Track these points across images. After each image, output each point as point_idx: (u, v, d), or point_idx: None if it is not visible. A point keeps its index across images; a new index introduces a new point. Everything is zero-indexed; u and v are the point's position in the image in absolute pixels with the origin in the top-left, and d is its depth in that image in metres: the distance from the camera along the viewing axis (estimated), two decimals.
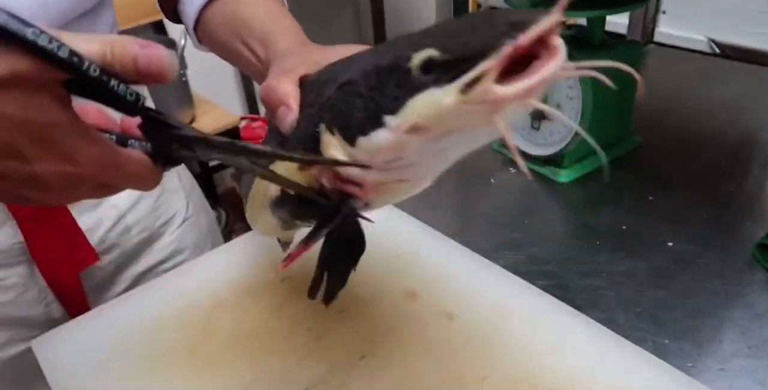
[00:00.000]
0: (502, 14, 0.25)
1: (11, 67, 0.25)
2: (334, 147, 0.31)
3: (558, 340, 0.48)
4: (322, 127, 0.32)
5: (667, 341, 0.51)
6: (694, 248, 0.60)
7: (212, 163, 1.88)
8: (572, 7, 0.73)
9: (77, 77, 0.27)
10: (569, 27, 0.70)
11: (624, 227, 0.64)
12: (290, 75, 0.38)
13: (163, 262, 0.67)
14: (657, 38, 1.12)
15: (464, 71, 0.24)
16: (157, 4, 0.59)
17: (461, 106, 0.25)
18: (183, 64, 1.60)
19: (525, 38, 0.23)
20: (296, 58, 0.41)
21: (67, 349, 0.52)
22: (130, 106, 0.30)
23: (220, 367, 0.48)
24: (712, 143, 0.77)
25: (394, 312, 0.52)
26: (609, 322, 0.52)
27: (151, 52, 0.28)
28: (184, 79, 1.63)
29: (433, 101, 0.25)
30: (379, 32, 1.51)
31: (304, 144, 0.34)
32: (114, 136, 0.32)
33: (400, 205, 0.67)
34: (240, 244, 0.63)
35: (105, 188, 0.32)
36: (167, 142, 0.32)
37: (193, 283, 0.58)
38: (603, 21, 0.68)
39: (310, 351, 0.49)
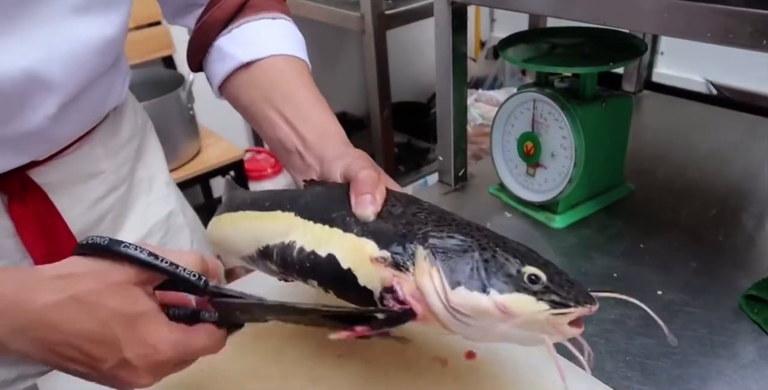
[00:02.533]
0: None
1: (124, 275, 0.37)
2: (427, 276, 0.37)
3: (547, 387, 0.50)
4: (422, 249, 0.37)
5: None
6: (683, 297, 0.62)
7: (216, 195, 1.91)
8: (566, 63, 0.76)
9: (172, 279, 0.38)
10: (563, 79, 0.73)
11: (615, 274, 0.66)
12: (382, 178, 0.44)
13: None
14: (655, 78, 1.15)
15: (557, 303, 0.35)
16: (186, 54, 0.62)
17: (542, 320, 0.35)
18: (191, 98, 1.65)
19: (593, 308, 0.36)
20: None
21: (71, 388, 0.53)
22: (199, 289, 0.39)
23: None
24: (703, 191, 0.79)
25: (389, 356, 0.54)
26: (598, 369, 0.54)
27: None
28: (191, 112, 1.67)
29: (530, 305, 0.35)
30: (381, 67, 1.56)
31: (380, 239, 0.39)
32: (189, 310, 0.40)
33: None
34: (240, 286, 0.65)
35: (183, 363, 0.40)
36: (231, 309, 0.40)
37: None
38: (595, 76, 0.71)
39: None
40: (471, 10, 2.06)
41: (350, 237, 0.40)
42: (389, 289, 0.38)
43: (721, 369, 0.53)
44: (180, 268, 0.38)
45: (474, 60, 2.31)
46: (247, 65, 0.56)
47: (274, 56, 0.56)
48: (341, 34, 2.23)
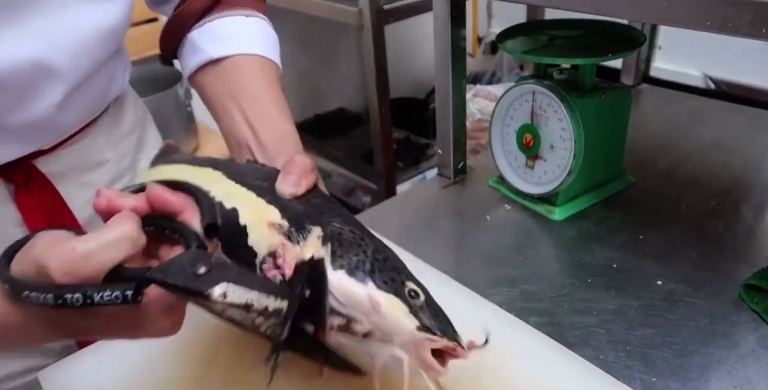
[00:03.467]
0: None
1: None
2: (314, 251, 0.36)
3: (548, 377, 0.50)
4: (319, 230, 0.37)
5: (654, 379, 0.52)
6: (683, 287, 0.62)
7: None
8: (565, 55, 0.76)
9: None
10: (562, 71, 0.73)
11: (615, 265, 0.66)
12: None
13: None
14: (652, 73, 1.15)
15: (425, 326, 0.35)
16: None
17: (407, 333, 0.35)
18: (188, 94, 1.64)
19: (459, 350, 0.36)
20: None
21: (73, 381, 0.53)
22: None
23: None
24: (703, 183, 0.79)
25: None
26: (599, 359, 0.54)
27: None
28: (189, 109, 1.67)
29: (401, 313, 0.35)
30: (380, 62, 1.55)
31: (285, 211, 0.39)
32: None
33: (396, 240, 0.68)
34: None
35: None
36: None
37: (196, 317, 0.59)
38: (594, 67, 0.71)
39: (310, 385, 0.50)
40: (468, 5, 2.06)
41: (259, 201, 0.40)
42: (272, 254, 0.37)
43: (722, 358, 0.54)
44: (99, 296, 0.34)
45: (472, 56, 2.31)
46: (217, 61, 0.57)
47: (243, 55, 0.57)
48: (339, 29, 2.22)
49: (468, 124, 1.90)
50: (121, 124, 0.65)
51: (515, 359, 0.52)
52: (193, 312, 0.60)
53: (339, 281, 0.35)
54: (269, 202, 0.40)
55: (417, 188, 0.86)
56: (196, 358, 0.54)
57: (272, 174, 0.43)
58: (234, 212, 0.40)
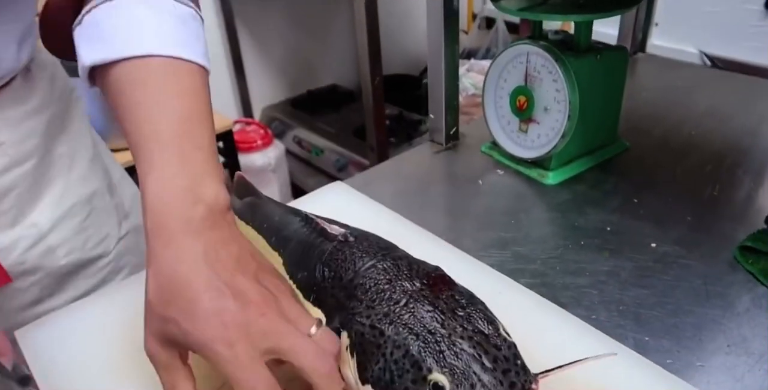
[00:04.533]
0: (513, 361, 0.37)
1: None
2: (347, 366, 0.38)
3: (540, 335, 0.49)
4: (346, 337, 0.39)
5: (647, 338, 0.51)
6: (677, 249, 0.61)
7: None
8: (560, 12, 0.74)
9: None
10: (557, 32, 0.71)
11: (608, 228, 0.65)
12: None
13: (100, 284, 0.64)
14: (649, 50, 1.14)
15: None
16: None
17: None
18: None
19: None
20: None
21: (53, 339, 0.52)
22: None
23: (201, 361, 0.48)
24: (698, 148, 0.78)
25: None
26: (591, 319, 0.53)
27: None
28: None
29: None
30: (373, 36, 1.53)
31: (325, 312, 0.43)
32: None
33: (389, 205, 0.67)
34: None
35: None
36: None
37: None
38: (590, 26, 0.69)
39: None
40: None
41: (309, 306, 0.44)
42: None
43: (716, 318, 0.53)
44: None
45: (466, 32, 2.28)
46: (101, 68, 0.41)
47: (136, 58, 0.40)
48: (331, 4, 2.19)
49: (461, 99, 1.87)
50: (26, 102, 0.55)
51: (508, 318, 0.50)
52: None
53: None
54: (314, 303, 0.44)
55: (408, 154, 0.84)
56: None
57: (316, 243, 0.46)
58: None
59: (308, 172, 2.06)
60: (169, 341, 0.36)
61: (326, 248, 0.45)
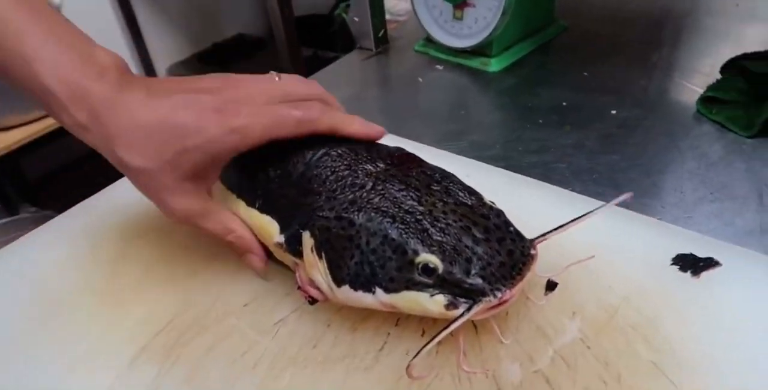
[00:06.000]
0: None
1: None
2: (316, 270, 0.34)
3: (524, 208, 0.44)
4: (308, 238, 0.34)
5: (629, 200, 0.48)
6: (638, 112, 0.58)
7: (14, 146, 1.56)
8: None
9: None
10: None
11: (564, 104, 0.60)
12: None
13: None
14: None
15: (456, 296, 0.30)
16: None
17: (439, 315, 0.31)
18: None
19: (510, 295, 0.30)
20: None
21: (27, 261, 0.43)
22: None
23: (140, 298, 0.41)
24: (636, 19, 0.75)
25: None
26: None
27: None
28: None
29: (421, 303, 0.31)
30: None
31: (279, 218, 0.37)
32: None
33: None
34: None
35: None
36: None
37: (95, 219, 0.49)
38: None
39: (241, 268, 0.42)
40: None
41: (255, 214, 0.38)
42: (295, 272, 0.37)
43: (693, 170, 0.50)
44: None
45: None
46: None
47: None
48: None
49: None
50: None
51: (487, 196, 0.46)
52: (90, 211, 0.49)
53: (347, 297, 0.33)
54: (261, 210, 0.38)
55: (336, 66, 0.77)
56: (105, 260, 0.45)
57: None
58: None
59: None
60: (194, 177, 0.35)
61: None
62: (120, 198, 0.50)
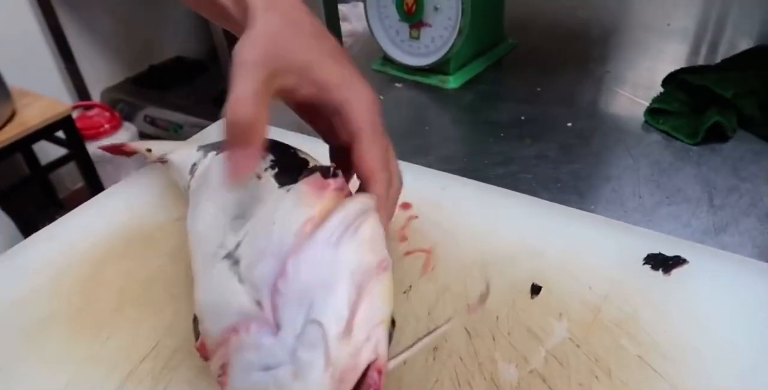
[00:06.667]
0: None
1: None
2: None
3: (500, 216, 0.46)
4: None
5: (593, 207, 0.50)
6: (592, 123, 0.61)
7: (43, 162, 1.64)
8: None
9: None
10: None
11: (523, 117, 0.63)
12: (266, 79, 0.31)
13: None
14: None
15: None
16: None
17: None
18: None
19: None
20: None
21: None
22: None
23: (120, 324, 0.40)
24: (581, 35, 0.79)
25: None
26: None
27: None
28: None
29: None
30: None
31: None
32: None
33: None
34: (123, 188, 0.53)
35: None
36: None
37: (60, 244, 0.47)
38: None
39: None
40: None
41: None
42: None
43: (648, 175, 0.53)
44: None
45: None
46: None
47: None
48: None
49: None
50: None
51: (461, 208, 0.47)
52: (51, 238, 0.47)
53: None
54: None
55: None
56: (76, 286, 0.43)
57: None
58: None
59: None
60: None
61: None
62: (87, 222, 0.49)
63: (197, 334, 0.32)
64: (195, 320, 0.33)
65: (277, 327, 0.27)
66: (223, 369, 0.29)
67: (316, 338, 0.25)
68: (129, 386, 0.35)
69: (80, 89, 1.88)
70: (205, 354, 0.31)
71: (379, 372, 0.26)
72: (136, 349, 0.38)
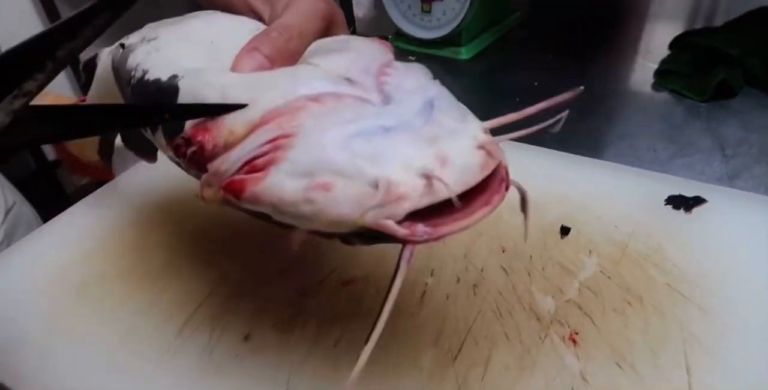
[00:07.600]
0: None
1: None
2: None
3: (523, 168, 0.48)
4: None
5: (610, 161, 0.53)
6: (604, 86, 0.63)
7: (51, 158, 1.65)
8: None
9: None
10: None
11: (536, 83, 0.66)
12: None
13: None
14: None
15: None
16: None
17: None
18: None
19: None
20: None
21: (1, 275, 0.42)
22: None
23: (173, 276, 0.42)
24: (583, 7, 0.82)
25: None
26: None
27: None
28: None
29: None
30: None
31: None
32: None
33: None
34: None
35: None
36: None
37: (106, 210, 0.49)
38: None
39: (267, 240, 0.44)
40: None
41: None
42: None
43: (662, 130, 0.56)
44: None
45: None
46: None
47: None
48: None
49: None
50: None
51: None
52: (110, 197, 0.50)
53: None
54: None
55: None
56: (129, 245, 0.46)
57: None
58: None
59: None
60: None
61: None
62: (128, 190, 0.51)
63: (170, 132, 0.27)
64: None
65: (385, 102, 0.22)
66: (275, 145, 0.22)
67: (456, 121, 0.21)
68: (187, 331, 0.38)
69: (79, 79, 1.89)
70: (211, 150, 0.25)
71: (506, 171, 0.22)
72: (191, 298, 0.40)
